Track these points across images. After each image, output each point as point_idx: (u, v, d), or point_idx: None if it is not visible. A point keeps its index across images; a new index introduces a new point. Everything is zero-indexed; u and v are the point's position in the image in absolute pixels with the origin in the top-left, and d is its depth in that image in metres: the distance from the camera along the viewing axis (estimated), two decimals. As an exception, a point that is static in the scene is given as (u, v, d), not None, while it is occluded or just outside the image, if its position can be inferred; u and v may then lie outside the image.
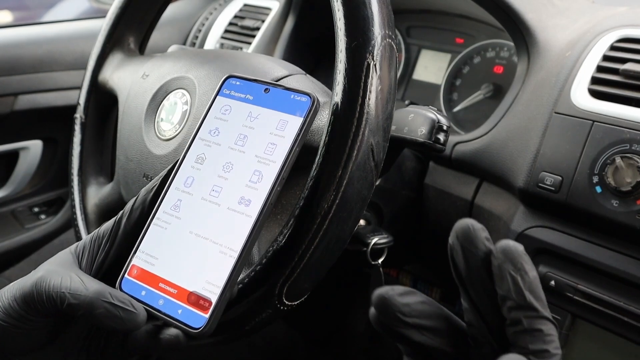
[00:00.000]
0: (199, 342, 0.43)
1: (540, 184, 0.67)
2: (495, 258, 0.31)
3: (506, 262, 0.31)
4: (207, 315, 0.37)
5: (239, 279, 0.48)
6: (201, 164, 0.43)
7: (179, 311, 0.38)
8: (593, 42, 0.70)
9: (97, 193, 0.69)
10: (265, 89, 0.44)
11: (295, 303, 0.48)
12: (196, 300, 0.38)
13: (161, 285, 0.39)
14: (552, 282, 0.67)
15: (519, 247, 0.31)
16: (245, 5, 1.11)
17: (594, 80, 0.67)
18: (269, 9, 1.06)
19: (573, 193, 0.64)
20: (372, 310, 0.33)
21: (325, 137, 0.45)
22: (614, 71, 0.66)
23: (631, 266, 0.63)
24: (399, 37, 0.98)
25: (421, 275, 1.02)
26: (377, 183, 0.48)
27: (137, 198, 0.43)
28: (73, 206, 0.69)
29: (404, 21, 0.98)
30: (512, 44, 0.82)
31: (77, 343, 0.40)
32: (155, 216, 0.42)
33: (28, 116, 1.07)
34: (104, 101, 0.72)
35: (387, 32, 0.46)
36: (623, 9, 0.75)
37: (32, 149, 1.12)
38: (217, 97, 0.45)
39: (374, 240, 0.73)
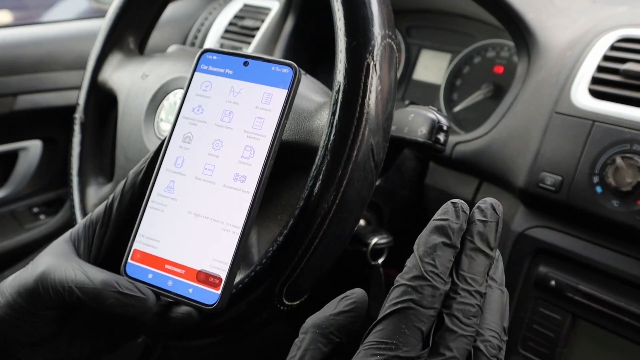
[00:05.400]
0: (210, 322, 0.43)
1: (540, 184, 0.67)
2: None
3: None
4: (219, 292, 0.38)
5: (239, 279, 0.48)
6: (189, 143, 0.42)
7: (190, 290, 0.39)
8: (593, 42, 0.69)
9: (97, 193, 0.69)
10: (245, 62, 0.43)
11: (295, 303, 0.48)
12: (205, 278, 0.39)
13: (167, 266, 0.40)
14: (553, 282, 0.67)
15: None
16: (245, 5, 1.11)
17: (594, 80, 0.67)
18: (269, 9, 1.06)
19: (573, 193, 0.64)
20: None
21: (325, 137, 0.45)
22: (615, 71, 0.66)
23: (631, 266, 0.63)
24: (399, 37, 0.98)
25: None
26: (377, 183, 0.48)
27: (126, 181, 0.43)
28: (72, 206, 0.68)
29: (404, 21, 0.98)
30: (512, 43, 0.82)
31: (84, 328, 0.40)
32: (150, 199, 0.42)
33: (27, 116, 1.07)
34: (103, 101, 0.71)
35: (387, 32, 0.46)
36: (623, 8, 0.75)
37: (31, 149, 1.12)
38: (195, 73, 0.44)
39: (374, 240, 0.73)
